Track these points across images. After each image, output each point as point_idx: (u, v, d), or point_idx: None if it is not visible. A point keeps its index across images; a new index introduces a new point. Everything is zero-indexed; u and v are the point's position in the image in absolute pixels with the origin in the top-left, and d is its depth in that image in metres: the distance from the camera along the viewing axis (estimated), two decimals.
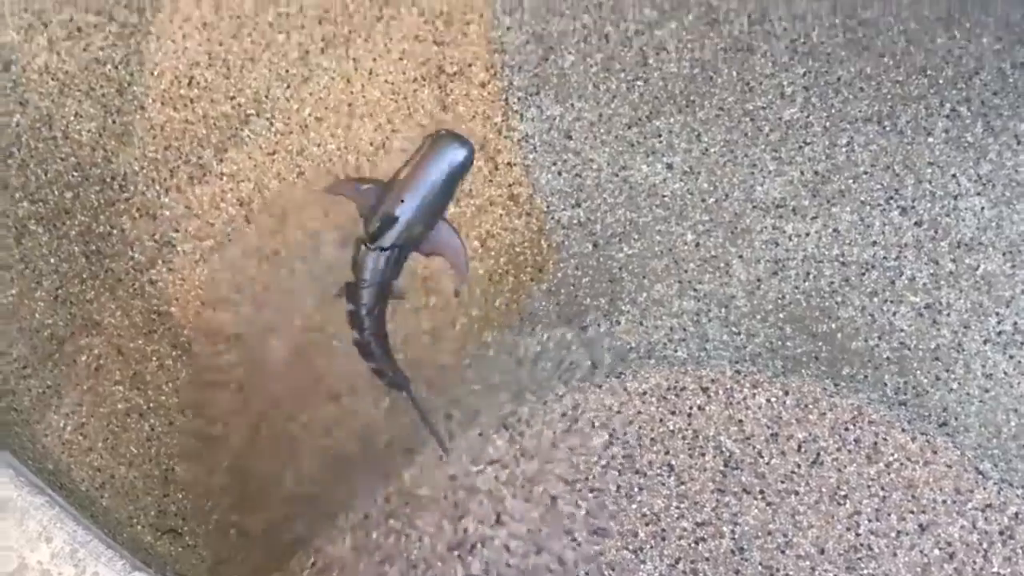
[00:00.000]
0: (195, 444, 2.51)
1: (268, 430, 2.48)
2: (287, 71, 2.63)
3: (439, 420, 2.37)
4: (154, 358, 2.56)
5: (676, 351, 2.47)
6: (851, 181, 2.50)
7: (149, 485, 2.49)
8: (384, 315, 2.04)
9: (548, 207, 2.55)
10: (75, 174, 2.64)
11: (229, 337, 2.53)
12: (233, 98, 2.64)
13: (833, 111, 2.51)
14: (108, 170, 2.63)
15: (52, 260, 2.60)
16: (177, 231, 2.60)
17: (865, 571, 2.26)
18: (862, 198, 2.49)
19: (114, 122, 2.64)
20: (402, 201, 1.92)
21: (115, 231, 2.60)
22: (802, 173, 2.50)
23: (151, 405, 2.55)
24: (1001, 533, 2.27)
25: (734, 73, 2.54)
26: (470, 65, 2.57)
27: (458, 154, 1.95)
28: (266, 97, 2.62)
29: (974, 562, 2.25)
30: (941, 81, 2.51)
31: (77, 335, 2.57)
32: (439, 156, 1.96)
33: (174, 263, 2.57)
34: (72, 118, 2.67)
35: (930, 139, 2.50)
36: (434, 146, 1.95)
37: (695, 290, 2.50)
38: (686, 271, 2.50)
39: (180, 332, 2.56)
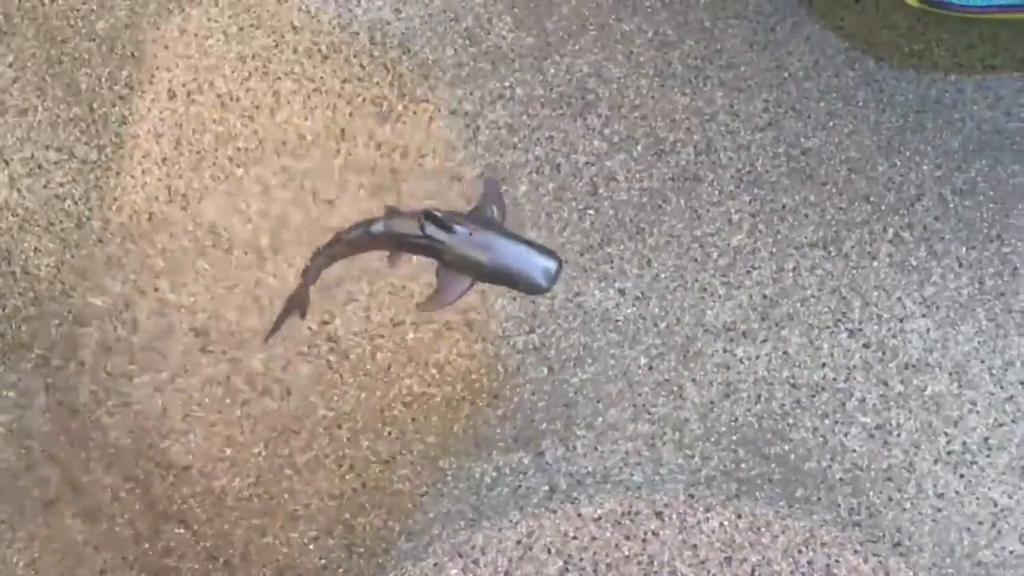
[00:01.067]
0: None
1: (221, 561, 2.90)
2: (245, 204, 3.08)
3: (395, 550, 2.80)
4: (109, 491, 2.94)
5: (632, 475, 2.85)
6: (799, 304, 2.96)
7: None
8: (352, 254, 2.77)
9: (503, 332, 2.97)
10: (33, 308, 3.07)
11: (182, 469, 2.96)
12: (191, 231, 3.06)
13: (779, 237, 2.99)
14: (66, 304, 3.05)
15: (10, 394, 3.00)
16: (133, 364, 3.01)
17: None
18: (810, 321, 2.95)
19: (72, 256, 3.07)
20: (470, 234, 2.54)
21: (72, 364, 3.02)
22: (751, 297, 2.97)
23: (104, 539, 2.93)
24: None
25: (682, 201, 3.03)
26: (426, 197, 3.05)
27: (538, 277, 2.57)
28: (224, 229, 3.06)
29: None
30: (884, 207, 3.01)
31: (32, 468, 2.97)
32: (531, 259, 2.58)
33: (131, 396, 2.99)
34: (31, 253, 3.10)
35: (875, 263, 2.98)
36: (538, 252, 2.58)
37: (649, 413, 2.93)
38: (640, 395, 2.92)
39: (135, 464, 2.96)
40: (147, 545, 2.92)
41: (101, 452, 2.95)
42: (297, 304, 2.84)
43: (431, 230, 2.57)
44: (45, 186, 3.16)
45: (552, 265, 2.38)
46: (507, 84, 3.11)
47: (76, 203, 3.14)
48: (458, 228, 2.54)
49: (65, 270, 3.09)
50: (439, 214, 2.53)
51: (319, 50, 3.14)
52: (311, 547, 2.91)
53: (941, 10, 2.69)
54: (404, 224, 2.64)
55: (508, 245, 2.58)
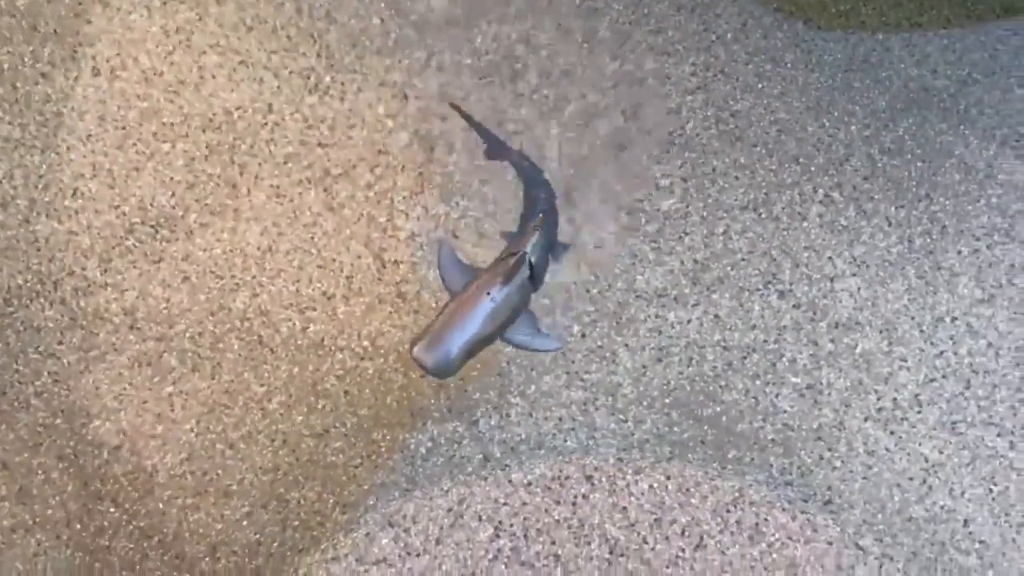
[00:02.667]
0: (83, 558, 2.88)
1: (155, 540, 2.88)
2: (172, 179, 3.05)
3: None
4: (40, 471, 2.92)
5: (565, 441, 2.86)
6: (730, 268, 2.96)
7: None
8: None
9: (436, 303, 2.95)
10: None
11: (113, 448, 2.94)
12: (117, 207, 3.05)
13: (710, 200, 2.98)
14: None
15: None
16: (61, 343, 2.99)
17: None
18: (741, 284, 2.95)
19: None
20: (496, 297, 2.60)
21: (0, 344, 2.81)
22: (682, 262, 2.97)
23: (37, 520, 2.91)
24: None
25: (612, 167, 3.01)
26: (355, 167, 3.05)
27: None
28: (151, 205, 3.04)
29: None
30: (813, 168, 3.01)
31: None
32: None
33: (59, 375, 2.97)
34: None
35: (805, 224, 2.98)
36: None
37: (582, 380, 2.92)
38: (573, 362, 2.91)
39: (66, 444, 2.94)
40: (79, 525, 2.90)
41: (30, 432, 2.94)
42: (497, 146, 2.91)
43: (514, 262, 2.62)
44: None
45: (438, 362, 2.49)
46: (435, 52, 3.08)
47: (0, 182, 3.09)
48: (496, 288, 2.58)
49: None
50: (532, 268, 2.59)
51: (244, 22, 3.09)
52: (245, 522, 2.89)
53: None
54: (533, 233, 2.70)
55: (470, 321, 2.63)
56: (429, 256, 2.95)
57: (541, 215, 2.57)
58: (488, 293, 2.52)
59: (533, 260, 2.48)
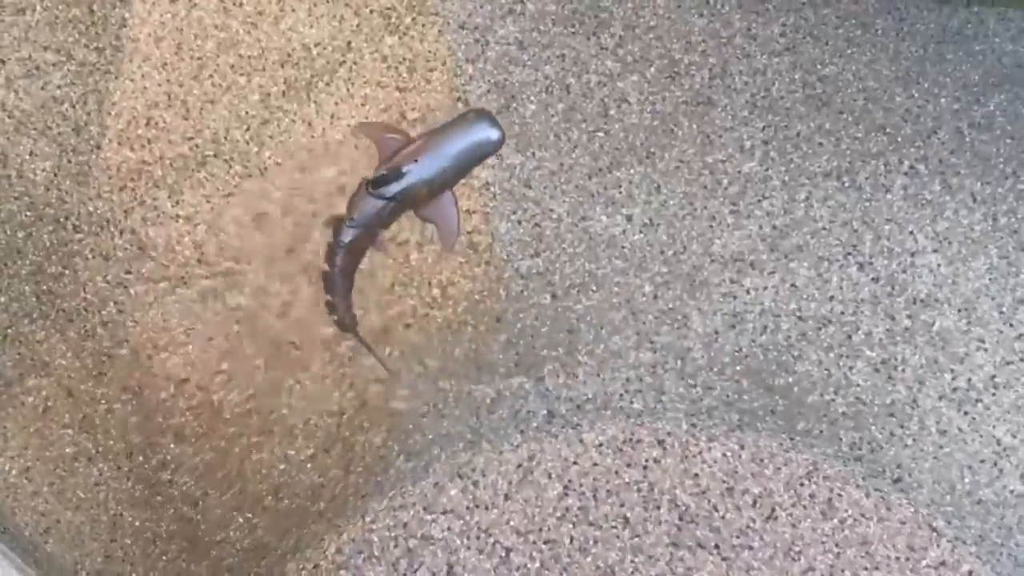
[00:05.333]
0: (143, 490, 2.85)
1: (218, 476, 2.84)
2: (247, 113, 3.00)
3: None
4: (104, 401, 2.90)
5: (632, 403, 2.83)
6: (809, 236, 2.88)
7: (96, 531, 2.84)
8: (358, 259, 2.49)
9: (507, 256, 2.92)
10: (28, 214, 3.01)
11: (179, 381, 2.89)
12: (191, 139, 3.00)
13: (792, 166, 2.91)
14: (62, 210, 2.99)
15: (1, 299, 2.94)
16: (130, 273, 2.95)
17: None
18: (820, 253, 2.88)
19: (69, 162, 3.00)
20: (415, 160, 2.35)
21: (67, 272, 2.94)
22: (760, 227, 2.89)
23: (99, 449, 2.89)
24: None
25: (694, 126, 2.94)
26: (433, 111, 2.97)
27: (489, 135, 2.39)
28: (225, 139, 2.99)
29: None
30: (900, 139, 2.92)
31: (25, 376, 2.91)
32: (469, 131, 2.40)
33: (126, 305, 2.93)
34: (27, 157, 3.03)
35: (888, 196, 2.89)
36: (467, 120, 2.39)
37: (652, 342, 2.86)
38: (644, 323, 2.86)
39: (131, 375, 2.90)
40: (142, 458, 2.87)
41: (95, 361, 2.91)
42: (349, 327, 2.61)
43: (388, 189, 2.38)
44: (43, 88, 3.07)
45: (484, 121, 2.37)
46: None
47: (74, 107, 3.06)
48: (403, 167, 2.36)
49: (61, 175, 3.03)
50: (378, 172, 2.35)
51: None
52: (308, 464, 2.88)
53: None
54: (362, 208, 2.42)
55: (446, 138, 2.42)
56: (501, 208, 2.94)
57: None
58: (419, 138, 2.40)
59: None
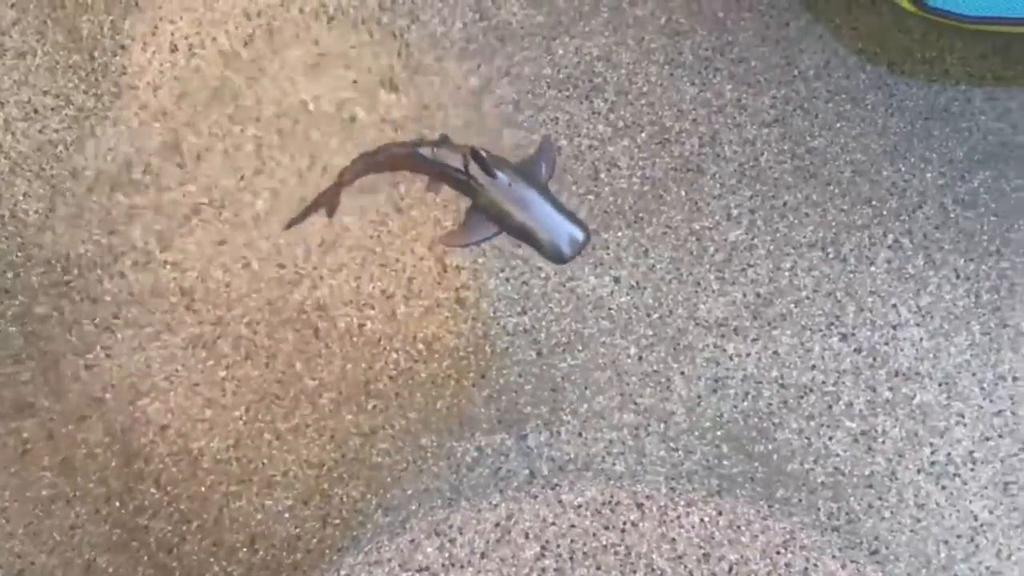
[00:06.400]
0: (120, 535, 2.81)
1: (195, 524, 2.80)
2: (241, 163, 2.99)
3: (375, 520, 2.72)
4: (84, 445, 2.87)
5: (614, 465, 2.80)
6: (793, 305, 2.88)
7: (69, 574, 2.79)
8: (374, 170, 2.82)
9: (494, 313, 2.90)
10: (19, 254, 3.00)
11: (160, 428, 2.86)
12: (184, 186, 2.99)
13: (778, 235, 2.91)
14: (53, 252, 2.96)
15: None
16: (118, 317, 2.93)
17: None
18: (803, 322, 2.87)
19: (63, 204, 2.98)
20: (509, 185, 2.66)
21: (55, 314, 2.93)
22: (745, 295, 2.88)
23: (77, 492, 2.85)
24: None
25: (683, 192, 2.94)
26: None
27: (560, 239, 2.76)
28: (217, 188, 2.98)
29: None
30: (885, 212, 2.92)
31: (8, 417, 2.87)
32: (558, 222, 2.75)
33: (112, 349, 2.90)
34: (21, 197, 3.03)
35: (872, 268, 2.89)
36: (565, 215, 2.71)
37: (636, 404, 2.85)
38: (628, 384, 2.84)
39: (113, 420, 2.87)
40: (119, 503, 2.84)
41: (78, 405, 2.88)
42: (326, 201, 2.85)
43: (473, 169, 2.65)
44: (40, 131, 3.06)
45: (580, 236, 2.56)
46: (515, 61, 2.99)
47: (69, 150, 3.05)
48: (499, 175, 2.63)
49: (54, 217, 3.01)
50: (485, 155, 2.57)
51: (326, 12, 3.02)
52: (286, 515, 2.83)
53: (935, 16, 2.63)
54: (450, 156, 2.70)
55: (543, 206, 2.69)
56: (490, 264, 2.90)
57: (419, 152, 2.76)
58: (508, 185, 2.63)
59: (467, 152, 2.60)
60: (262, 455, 2.89)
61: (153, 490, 2.88)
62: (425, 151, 2.78)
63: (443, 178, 2.81)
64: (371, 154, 2.80)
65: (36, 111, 3.10)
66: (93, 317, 2.97)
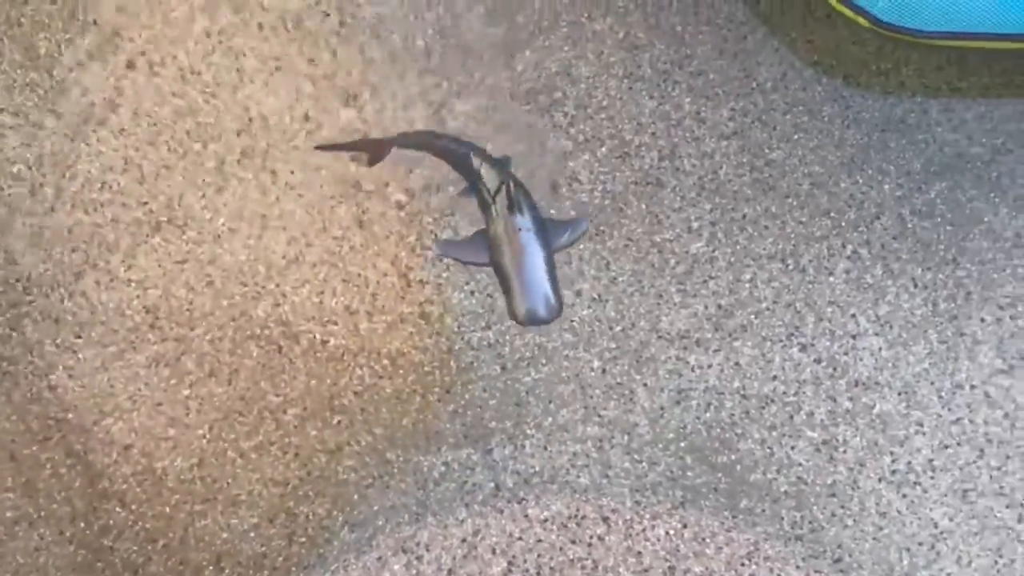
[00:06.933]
0: (85, 556, 2.80)
1: (160, 543, 2.78)
2: (202, 180, 2.97)
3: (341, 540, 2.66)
4: (48, 465, 2.85)
5: (579, 477, 2.81)
6: (753, 316, 2.89)
7: None
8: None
9: (459, 327, 2.90)
10: None
11: (124, 447, 2.84)
12: (145, 204, 2.96)
13: (738, 247, 2.91)
14: (12, 271, 2.92)
15: None
16: (79, 337, 2.90)
17: None
18: (763, 333, 2.89)
19: (23, 224, 2.95)
20: (518, 229, 2.60)
21: (15, 334, 2.90)
22: (706, 307, 2.89)
23: (41, 514, 2.83)
24: None
25: (643, 206, 2.95)
26: (387, 184, 2.97)
27: (533, 302, 2.67)
28: (179, 205, 2.95)
29: None
30: (843, 223, 2.93)
31: None
32: (540, 286, 2.65)
33: (75, 369, 2.87)
34: None
35: (831, 279, 2.91)
36: (550, 284, 2.63)
37: (600, 416, 2.85)
38: (591, 397, 2.84)
39: (76, 440, 2.84)
40: (84, 523, 2.82)
41: (41, 425, 2.85)
42: (373, 149, 2.85)
43: (501, 197, 2.60)
44: None
45: (543, 312, 2.55)
46: (475, 77, 2.98)
47: (29, 168, 3.01)
48: (520, 215, 2.59)
49: (13, 237, 2.96)
50: (516, 192, 2.56)
51: (287, 29, 2.99)
52: (252, 534, 2.82)
53: (890, 32, 2.63)
54: (490, 174, 2.69)
55: (537, 266, 2.63)
56: (454, 278, 2.88)
57: (471, 155, 2.71)
58: (518, 229, 2.52)
59: (508, 181, 2.52)
60: (227, 474, 2.87)
61: (118, 510, 2.86)
62: (474, 159, 2.74)
63: (471, 188, 2.80)
64: (431, 135, 2.78)
65: None
66: (55, 337, 2.93)
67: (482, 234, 2.53)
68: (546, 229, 2.67)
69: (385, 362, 2.90)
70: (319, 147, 2.90)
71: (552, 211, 2.87)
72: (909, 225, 3.01)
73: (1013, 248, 2.91)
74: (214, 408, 2.85)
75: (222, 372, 2.88)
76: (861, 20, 2.62)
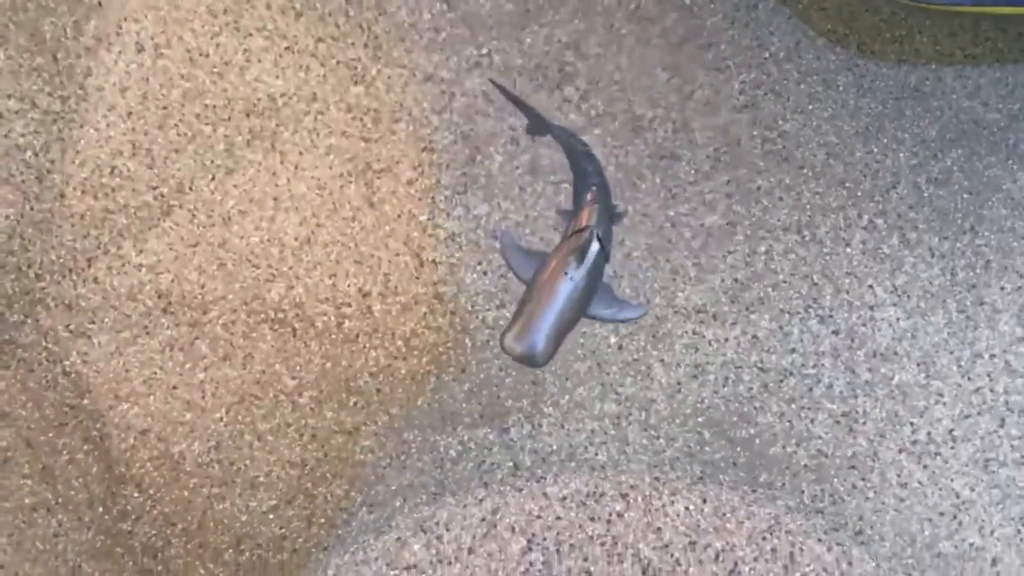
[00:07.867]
0: (104, 541, 2.77)
1: (179, 527, 2.75)
2: (212, 163, 2.90)
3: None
4: (65, 451, 2.80)
5: (597, 455, 2.74)
6: (770, 289, 2.83)
7: None
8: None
9: (473, 307, 2.85)
10: None
11: (140, 432, 2.80)
12: (156, 188, 2.89)
13: (754, 219, 2.85)
14: (24, 258, 2.87)
15: None
16: (93, 322, 2.85)
17: None
18: (781, 306, 2.83)
19: (32, 209, 2.88)
20: (580, 267, 2.32)
21: (29, 320, 2.84)
22: (722, 280, 2.83)
23: (59, 500, 2.78)
24: None
25: (658, 179, 2.89)
26: (398, 162, 2.90)
27: (531, 341, 2.34)
28: (189, 188, 2.89)
29: None
30: (859, 193, 2.87)
31: None
32: (538, 327, 2.34)
33: (89, 355, 2.83)
34: None
35: (848, 249, 2.84)
36: (556, 332, 2.35)
37: (617, 393, 2.79)
38: (608, 374, 2.79)
39: (92, 426, 2.80)
40: (102, 508, 2.78)
41: (57, 412, 2.80)
42: (538, 121, 2.71)
43: (582, 239, 2.39)
44: (5, 136, 2.93)
45: (522, 350, 2.26)
46: (484, 52, 2.91)
47: (37, 155, 2.92)
48: (575, 266, 2.36)
49: (24, 223, 2.89)
50: (591, 244, 2.38)
51: (293, 7, 2.92)
52: (270, 516, 2.79)
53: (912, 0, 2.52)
54: (595, 212, 2.48)
55: (555, 313, 2.36)
56: (467, 259, 2.83)
57: (594, 187, 2.41)
58: (566, 274, 2.33)
59: (600, 233, 2.33)
60: (244, 456, 2.84)
61: (136, 494, 2.82)
62: (592, 194, 2.52)
63: (571, 216, 2.52)
64: (587, 155, 2.59)
65: (0, 115, 2.96)
66: (68, 323, 2.88)
67: (541, 257, 2.42)
68: (594, 293, 2.49)
69: (400, 343, 2.85)
70: (493, 81, 2.79)
71: (626, 286, 2.84)
72: (926, 194, 2.95)
73: None
74: (230, 392, 2.80)
75: (236, 356, 2.83)
76: None
